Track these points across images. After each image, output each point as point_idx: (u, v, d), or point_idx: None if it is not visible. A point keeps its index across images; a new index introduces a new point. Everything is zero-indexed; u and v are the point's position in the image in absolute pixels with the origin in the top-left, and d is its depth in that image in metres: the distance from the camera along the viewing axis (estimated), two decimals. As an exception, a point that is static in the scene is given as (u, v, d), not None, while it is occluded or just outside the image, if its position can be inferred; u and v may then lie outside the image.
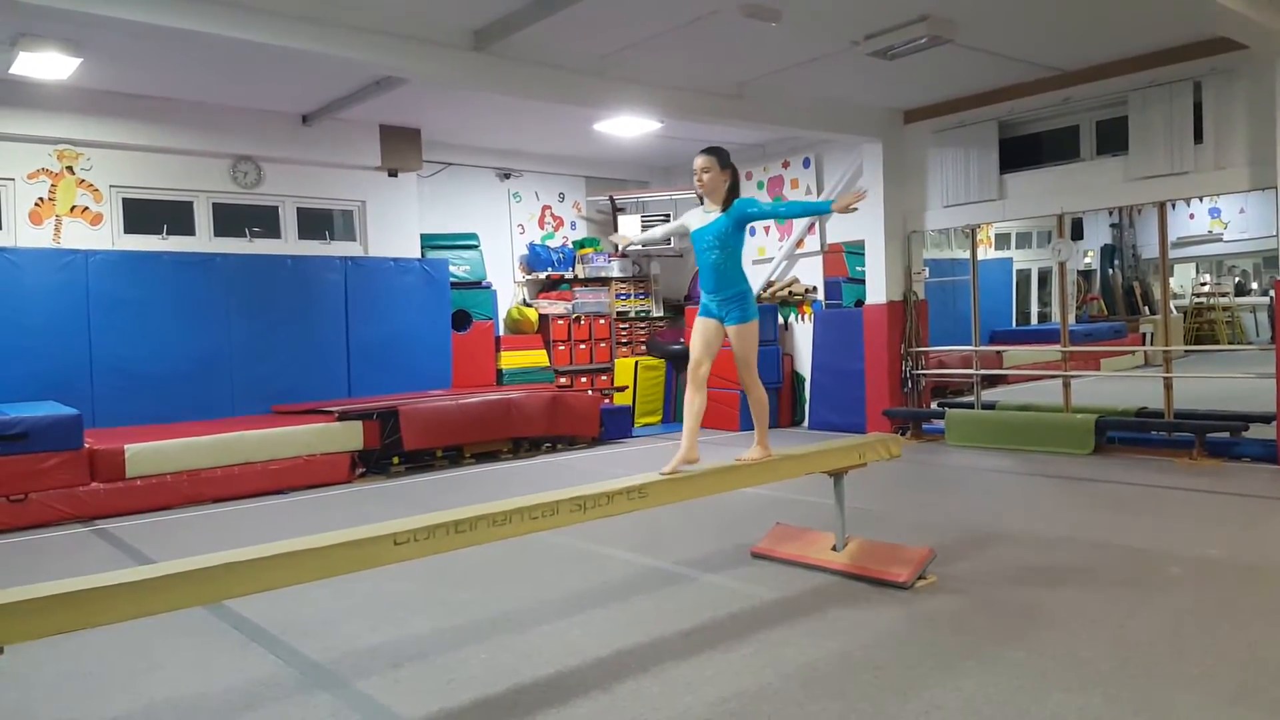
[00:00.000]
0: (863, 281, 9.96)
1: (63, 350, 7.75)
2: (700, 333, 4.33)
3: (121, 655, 3.65)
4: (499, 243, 11.00)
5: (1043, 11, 6.53)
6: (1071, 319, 12.06)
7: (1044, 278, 15.56)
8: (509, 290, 11.14)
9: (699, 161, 4.29)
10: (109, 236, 8.25)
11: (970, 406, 9.07)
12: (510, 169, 11.03)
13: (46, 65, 6.77)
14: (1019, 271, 15.16)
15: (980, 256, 9.70)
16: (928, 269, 9.94)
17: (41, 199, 7.92)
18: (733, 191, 4.28)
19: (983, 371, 9.29)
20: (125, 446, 6.72)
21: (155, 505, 6.77)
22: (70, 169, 8.05)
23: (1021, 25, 6.86)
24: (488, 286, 10.56)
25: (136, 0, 5.29)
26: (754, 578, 4.44)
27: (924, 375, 9.60)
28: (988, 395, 9.40)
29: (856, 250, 10.32)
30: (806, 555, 4.58)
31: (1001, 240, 14.77)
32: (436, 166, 10.33)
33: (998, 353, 10.68)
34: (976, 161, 8.93)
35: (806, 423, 10.60)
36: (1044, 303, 15.87)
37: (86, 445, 6.62)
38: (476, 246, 10.49)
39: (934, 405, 9.70)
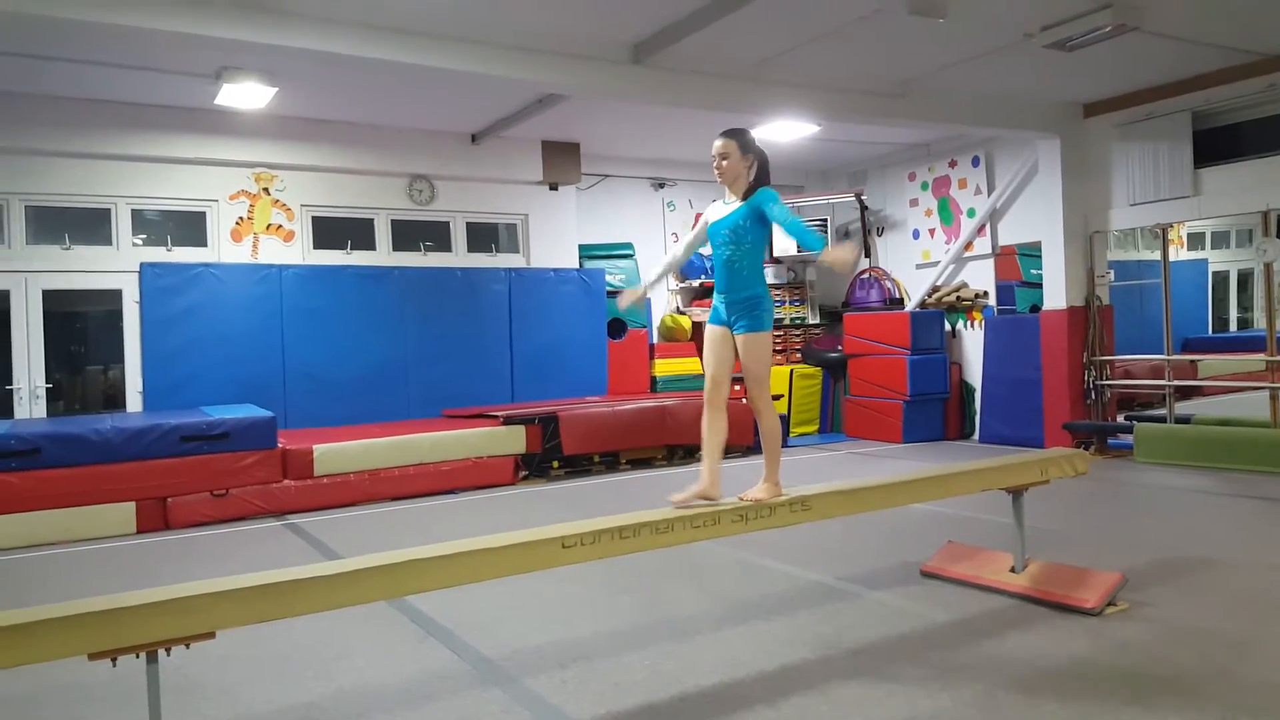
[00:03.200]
0: (1038, 285, 9.40)
1: (259, 357, 8.45)
2: (710, 346, 3.76)
3: (312, 643, 3.91)
4: (653, 251, 11.11)
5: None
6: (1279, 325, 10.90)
7: (1244, 280, 14.15)
8: (663, 298, 11.23)
9: (716, 145, 3.76)
10: (300, 252, 8.93)
11: (1162, 420, 8.36)
12: (664, 178, 11.13)
13: (246, 95, 7.41)
14: (1215, 274, 13.84)
15: (1171, 258, 8.94)
16: (1113, 272, 9.25)
17: (241, 218, 8.67)
18: (759, 180, 3.72)
19: (1176, 382, 8.55)
20: (314, 447, 7.23)
21: (339, 502, 7.25)
22: (266, 190, 8.78)
23: (1217, 7, 6.28)
24: (644, 295, 10.67)
25: (325, 33, 5.73)
26: (924, 597, 4.25)
27: (1109, 386, 8.94)
28: (1182, 408, 8.63)
29: (1031, 253, 9.75)
30: (981, 576, 4.33)
31: (1195, 240, 13.53)
32: (594, 179, 10.56)
33: (1192, 362, 9.78)
34: (1167, 156, 8.25)
35: (976, 435, 10.09)
36: (1244, 308, 14.44)
37: (280, 445, 7.17)
38: (632, 255, 10.65)
39: (1121, 419, 9.01)
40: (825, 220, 10.98)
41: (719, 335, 3.74)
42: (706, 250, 4.17)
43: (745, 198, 3.71)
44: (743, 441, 9.37)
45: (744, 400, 10.51)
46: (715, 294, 3.81)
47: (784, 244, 11.15)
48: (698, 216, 11.50)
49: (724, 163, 3.73)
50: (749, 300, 3.67)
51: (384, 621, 4.16)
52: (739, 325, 3.68)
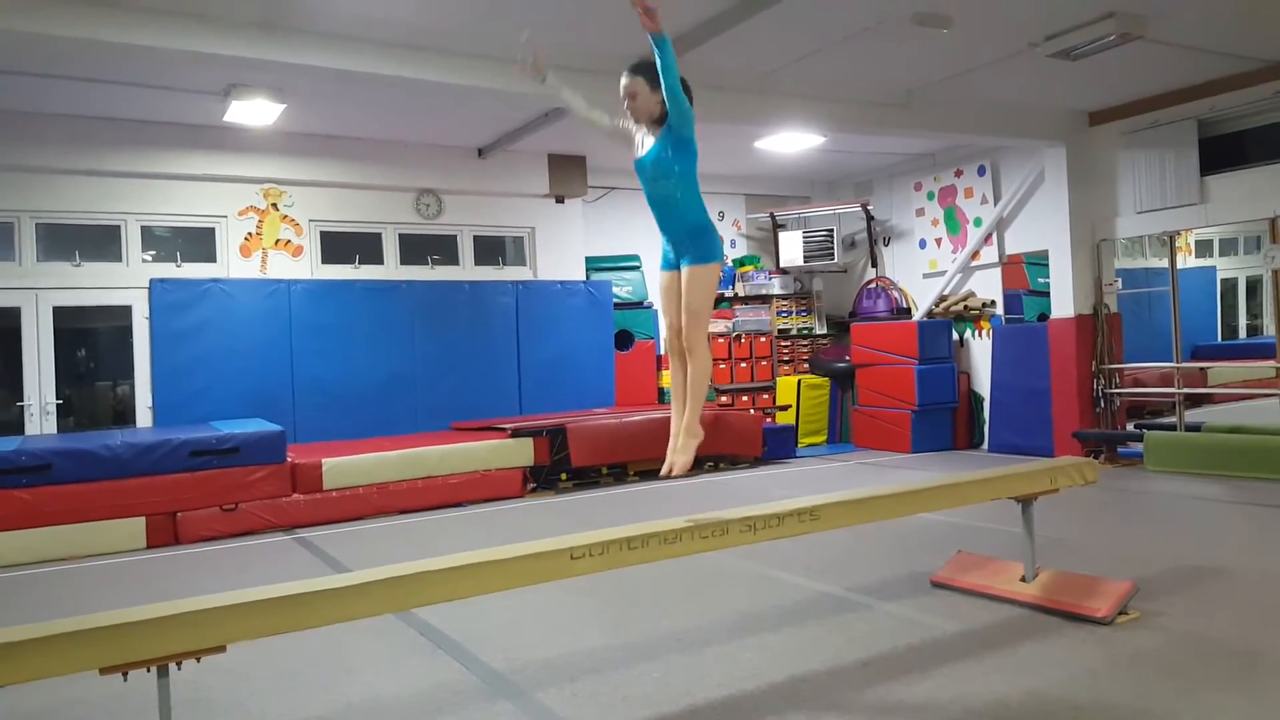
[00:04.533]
0: (1046, 294, 9.37)
1: (268, 371, 8.48)
2: (666, 294, 3.51)
3: (322, 657, 3.91)
4: (660, 263, 11.12)
5: (1247, -2, 5.98)
6: (1289, 332, 10.85)
7: (1253, 287, 14.09)
8: (672, 309, 11.23)
9: (623, 83, 3.41)
10: (308, 267, 8.98)
11: (1172, 428, 8.32)
12: (671, 190, 11.15)
13: (255, 112, 7.48)
14: (1224, 281, 13.80)
15: (1180, 265, 8.91)
16: (1120, 280, 9.23)
17: (250, 234, 8.73)
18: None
19: (1186, 390, 8.50)
20: (323, 460, 7.25)
21: (348, 516, 7.26)
22: (275, 206, 8.84)
23: (1221, 15, 6.29)
24: (649, 306, 10.70)
25: (333, 50, 5.78)
26: (934, 608, 4.23)
27: (1118, 394, 8.90)
28: (1191, 416, 8.58)
29: (1038, 261, 9.73)
30: (992, 586, 4.31)
31: (1203, 247, 13.51)
32: (600, 191, 10.58)
33: (1201, 369, 9.74)
34: (1174, 163, 8.23)
35: (986, 445, 10.05)
36: (1254, 314, 14.38)
37: (289, 459, 7.18)
38: (638, 268, 10.67)
39: (1130, 427, 8.96)
40: (832, 231, 11.00)
41: (668, 282, 3.50)
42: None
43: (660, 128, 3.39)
44: (750, 453, 9.38)
45: (751, 410, 10.49)
46: (662, 236, 3.51)
47: (790, 254, 11.16)
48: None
49: (633, 102, 3.41)
50: (694, 230, 3.40)
51: (393, 634, 4.16)
52: (685, 258, 3.41)
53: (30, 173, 7.75)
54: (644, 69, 3.39)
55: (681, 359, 3.50)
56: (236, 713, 3.38)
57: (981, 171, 10.02)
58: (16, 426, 7.76)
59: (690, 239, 3.41)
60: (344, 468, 7.30)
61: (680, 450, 3.48)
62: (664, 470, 3.50)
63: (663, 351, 3.20)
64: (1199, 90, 7.96)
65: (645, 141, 3.47)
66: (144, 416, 8.18)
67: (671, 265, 3.49)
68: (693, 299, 3.40)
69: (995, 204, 9.90)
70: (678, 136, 3.33)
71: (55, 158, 7.77)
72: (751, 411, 10.27)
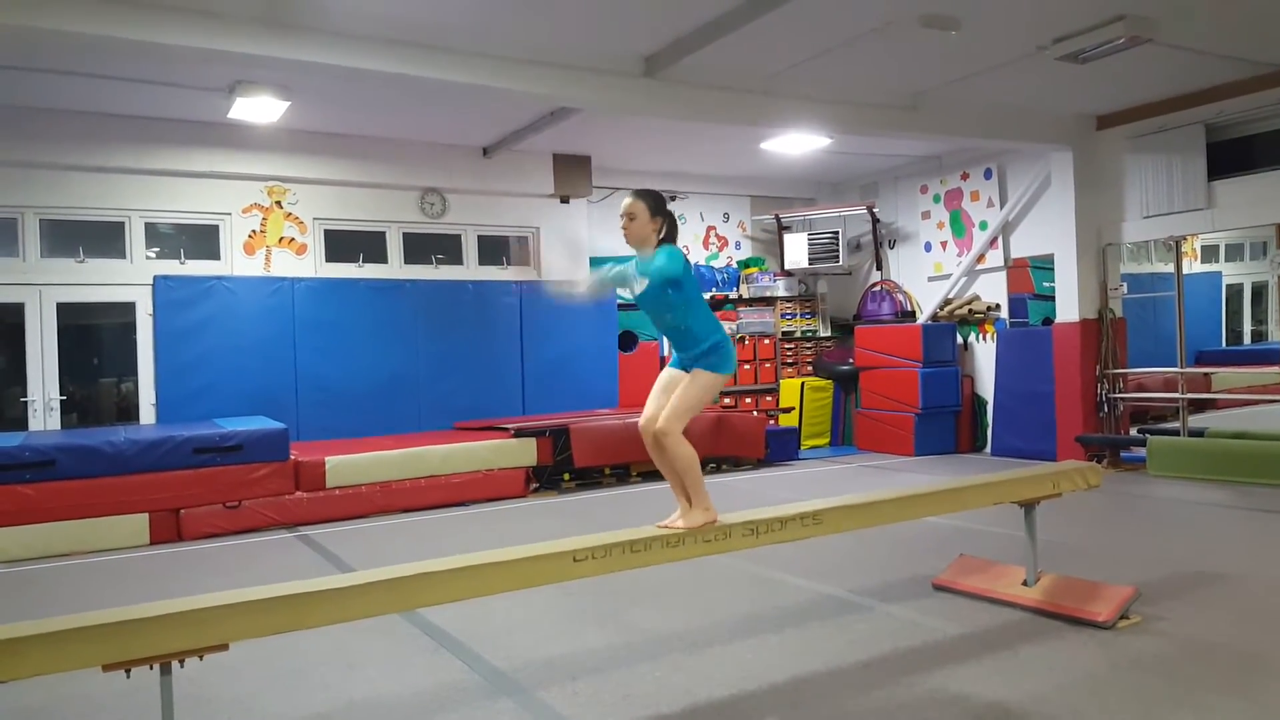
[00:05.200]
0: (1051, 298, 9.37)
1: (271, 369, 8.49)
2: (662, 385, 3.62)
3: (324, 655, 3.91)
4: (671, 361, 11.09)
5: (1255, 2, 5.95)
6: (1294, 337, 10.84)
7: (1258, 293, 14.06)
8: (675, 311, 11.23)
9: (624, 204, 3.57)
10: (312, 265, 8.99)
11: (1175, 433, 8.30)
12: (675, 191, 11.15)
13: (259, 109, 7.48)
14: (1229, 286, 13.77)
15: (1185, 270, 8.90)
16: (1125, 284, 9.22)
17: (254, 231, 8.74)
18: (669, 240, 3.56)
19: (1189, 395, 8.49)
20: (326, 459, 7.25)
21: (351, 514, 7.26)
22: (279, 204, 8.85)
23: (1231, 19, 6.28)
24: (654, 308, 10.70)
25: (339, 47, 5.78)
26: (936, 611, 4.22)
27: (1122, 399, 8.89)
28: (1195, 421, 8.57)
29: (1043, 265, 9.73)
30: (994, 589, 4.31)
31: (1208, 253, 13.49)
32: (605, 191, 10.58)
33: (1205, 375, 9.73)
34: (1181, 168, 8.22)
35: (989, 449, 10.04)
36: (1259, 320, 14.34)
37: (292, 457, 7.19)
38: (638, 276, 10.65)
39: (1134, 432, 8.95)
40: (837, 233, 10.99)
41: (670, 378, 3.59)
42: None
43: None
44: (753, 455, 9.37)
45: (755, 412, 10.47)
46: (675, 352, 3.64)
47: (795, 256, 11.16)
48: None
49: (631, 223, 3.54)
50: (709, 350, 3.50)
51: (396, 633, 4.16)
52: (701, 365, 3.51)
53: (34, 168, 7.77)
54: (646, 195, 3.58)
55: (658, 449, 3.56)
56: (238, 710, 3.38)
57: (988, 175, 10.01)
58: (20, 422, 7.78)
59: (705, 356, 3.52)
60: (347, 466, 7.30)
61: (686, 519, 3.45)
62: (664, 522, 3.45)
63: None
64: (1207, 94, 7.95)
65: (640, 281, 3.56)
66: (147, 413, 8.20)
67: (681, 366, 3.60)
68: (689, 394, 3.49)
69: (1001, 207, 9.89)
70: (666, 280, 3.44)
71: (59, 154, 7.78)
72: (754, 414, 10.26)
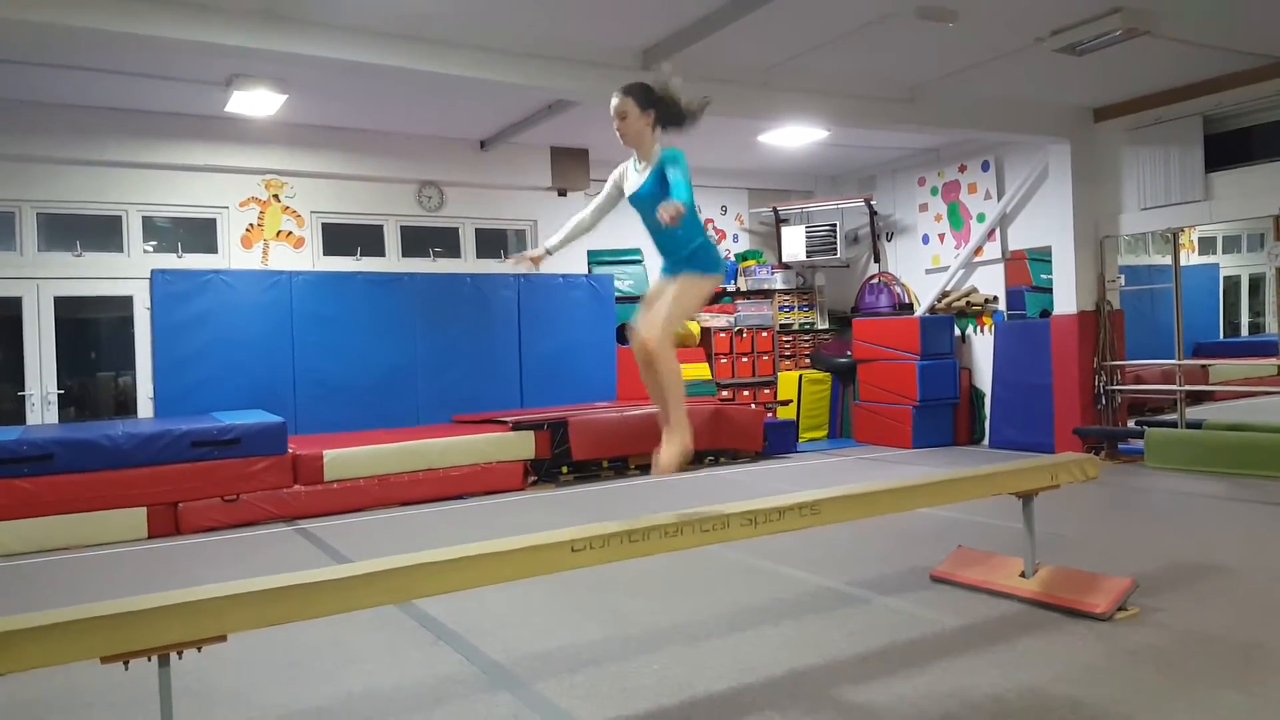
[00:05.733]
0: (1048, 290, 9.36)
1: (269, 363, 8.48)
2: (653, 293, 3.54)
3: (323, 647, 3.91)
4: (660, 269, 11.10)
5: (1255, -7, 5.96)
6: (1292, 329, 10.84)
7: (1255, 285, 14.06)
8: (672, 303, 11.22)
9: (613, 103, 3.40)
10: (310, 258, 8.97)
11: (1173, 425, 8.32)
12: (674, 184, 11.13)
13: (256, 102, 7.47)
14: (1227, 278, 13.77)
15: (1183, 262, 8.90)
16: (1123, 276, 9.22)
17: (251, 225, 8.72)
18: (674, 117, 3.47)
19: (1187, 387, 8.50)
20: (324, 452, 7.25)
21: (349, 507, 7.27)
22: (276, 197, 8.82)
23: (1228, 11, 6.27)
24: (652, 300, 10.69)
25: (336, 40, 5.77)
26: (934, 602, 4.23)
27: (1120, 391, 8.90)
28: (1193, 413, 8.58)
29: (1041, 257, 9.72)
30: (992, 581, 4.32)
31: (1206, 244, 13.49)
32: (603, 184, 10.56)
33: (1203, 367, 9.74)
34: (1178, 160, 8.22)
35: (987, 441, 10.05)
36: (1256, 312, 14.34)
37: (290, 450, 7.19)
38: (640, 261, 10.66)
39: (1132, 424, 8.96)
40: (834, 225, 10.98)
41: (660, 285, 3.51)
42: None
43: (652, 160, 3.43)
44: (751, 447, 9.37)
45: (753, 405, 10.46)
46: (661, 257, 3.54)
47: (793, 248, 11.15)
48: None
49: (623, 123, 3.41)
50: (696, 251, 3.44)
51: (394, 625, 4.16)
52: (690, 268, 3.44)
53: (31, 162, 7.74)
54: (635, 90, 3.41)
55: (648, 364, 3.45)
56: (236, 702, 3.38)
57: (985, 167, 10.00)
58: (18, 416, 7.77)
59: (693, 257, 3.45)
60: (345, 459, 7.30)
61: (665, 449, 3.41)
62: (653, 470, 3.46)
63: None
64: (1205, 86, 7.94)
65: (634, 177, 3.51)
66: (145, 407, 8.19)
67: (669, 273, 3.52)
68: (683, 300, 3.43)
69: (999, 200, 9.88)
70: (666, 173, 3.37)
71: (56, 147, 7.76)
72: (752, 406, 10.27)
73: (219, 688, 3.49)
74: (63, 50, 6.35)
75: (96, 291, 8.12)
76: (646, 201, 3.42)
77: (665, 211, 3.10)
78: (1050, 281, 9.28)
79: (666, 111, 3.44)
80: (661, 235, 3.47)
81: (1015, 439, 9.44)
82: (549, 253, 3.93)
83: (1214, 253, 13.76)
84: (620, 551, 3.14)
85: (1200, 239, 13.08)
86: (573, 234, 3.91)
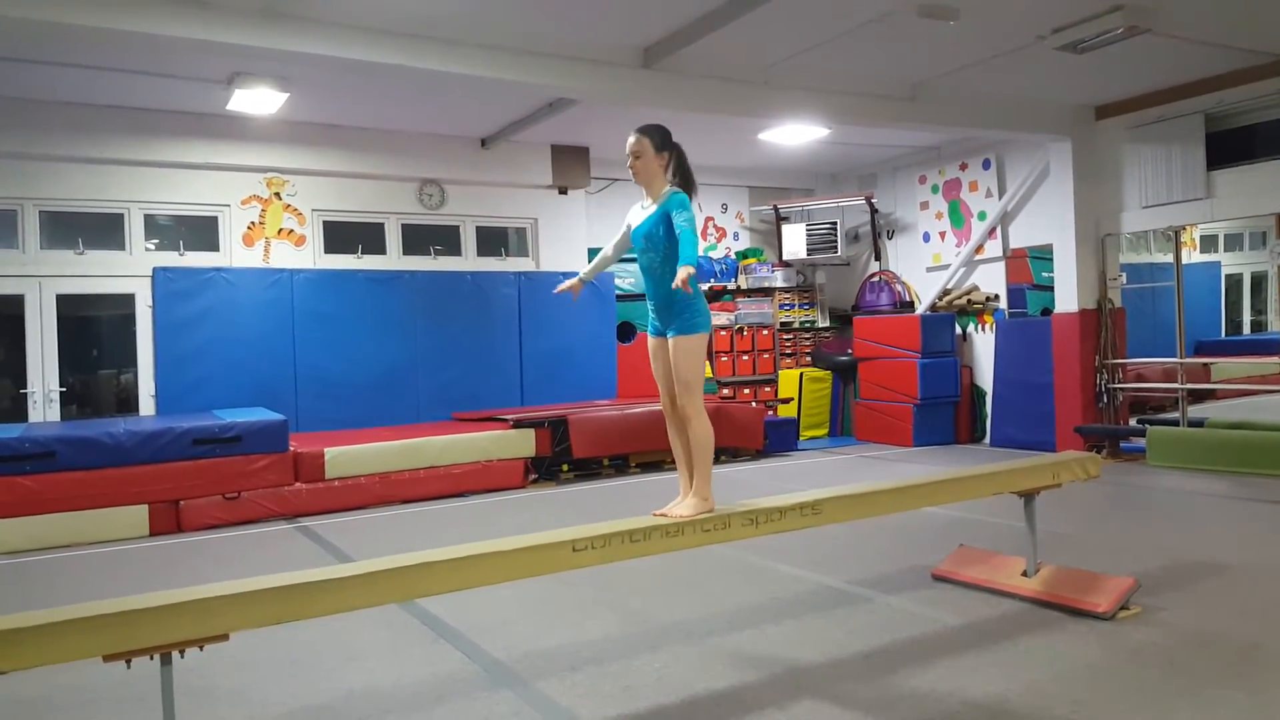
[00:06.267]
0: (1050, 289, 9.36)
1: (271, 360, 8.48)
2: (655, 358, 3.66)
3: (324, 646, 3.92)
4: (648, 328, 11.07)
5: (1257, -10, 5.95)
6: (1294, 328, 10.84)
7: (1258, 282, 14.05)
8: (674, 302, 11.21)
9: (629, 142, 3.53)
10: (311, 256, 8.97)
11: (1175, 424, 8.31)
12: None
13: (258, 101, 7.46)
14: (1228, 276, 13.76)
15: (1184, 260, 8.88)
16: (1125, 274, 9.21)
17: (253, 223, 8.71)
18: (681, 178, 3.56)
19: (1189, 386, 8.49)
20: (325, 450, 7.25)
21: (350, 505, 7.27)
22: (278, 195, 8.82)
23: (1230, 8, 6.28)
24: (652, 299, 10.69)
25: (337, 38, 5.76)
26: (935, 601, 4.23)
27: (1121, 389, 8.89)
28: (1195, 412, 8.57)
29: (1042, 255, 9.71)
30: (994, 580, 4.32)
31: (1208, 243, 13.48)
32: (604, 183, 10.55)
33: (1205, 365, 9.73)
34: (1180, 158, 8.21)
35: (988, 439, 10.05)
36: (1258, 310, 14.33)
37: (291, 448, 7.19)
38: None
39: (1133, 422, 8.96)
40: (835, 223, 10.97)
41: (657, 349, 3.63)
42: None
43: (659, 200, 3.53)
44: (752, 445, 9.38)
45: (753, 403, 10.47)
46: (651, 303, 3.63)
47: (793, 246, 11.15)
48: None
49: (637, 162, 3.54)
50: (678, 305, 3.49)
51: (395, 623, 4.17)
52: (671, 329, 3.54)
53: (33, 160, 7.74)
54: (651, 131, 3.55)
55: (678, 425, 3.60)
56: (238, 700, 3.39)
57: (986, 165, 9.99)
58: (20, 414, 7.78)
59: (676, 311, 3.51)
60: (346, 457, 7.31)
61: (682, 508, 3.45)
62: (661, 510, 3.47)
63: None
64: (1206, 84, 7.93)
65: (642, 211, 3.61)
66: (147, 404, 8.19)
67: (658, 332, 3.62)
68: (682, 370, 3.52)
69: (1000, 198, 9.87)
70: (669, 215, 3.46)
71: (58, 145, 7.75)
72: (753, 404, 10.27)
73: (220, 685, 3.49)
74: (65, 48, 6.35)
75: (98, 289, 8.12)
76: (644, 237, 3.55)
77: (679, 279, 3.26)
78: (1051, 279, 9.28)
79: (681, 160, 3.59)
80: (651, 277, 3.57)
81: (1016, 437, 9.43)
82: (583, 281, 4.10)
83: (1216, 251, 13.75)
84: (621, 551, 3.15)
85: (1202, 237, 13.08)
86: (598, 265, 4.14)
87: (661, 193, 3.54)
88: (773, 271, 11.35)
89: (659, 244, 3.50)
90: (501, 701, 3.27)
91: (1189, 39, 6.79)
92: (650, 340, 3.68)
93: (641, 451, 8.79)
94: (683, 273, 3.27)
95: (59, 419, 7.87)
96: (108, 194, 8.10)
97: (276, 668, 3.70)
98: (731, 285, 11.27)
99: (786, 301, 11.42)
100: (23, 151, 7.66)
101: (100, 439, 6.54)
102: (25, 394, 7.83)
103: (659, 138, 3.54)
